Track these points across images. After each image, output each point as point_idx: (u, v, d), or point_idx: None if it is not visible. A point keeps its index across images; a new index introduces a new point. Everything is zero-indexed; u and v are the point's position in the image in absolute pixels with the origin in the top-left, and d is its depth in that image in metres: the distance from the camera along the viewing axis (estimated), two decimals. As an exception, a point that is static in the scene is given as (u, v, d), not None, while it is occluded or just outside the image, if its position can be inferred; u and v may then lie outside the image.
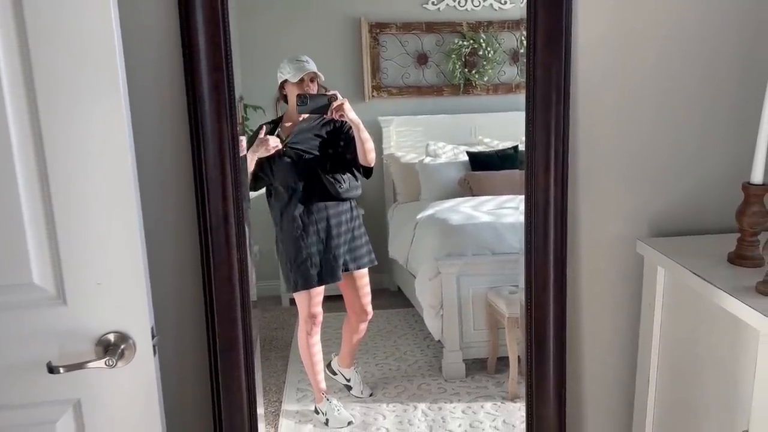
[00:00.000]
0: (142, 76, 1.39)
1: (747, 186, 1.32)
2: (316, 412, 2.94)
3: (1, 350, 1.19)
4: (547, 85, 1.42)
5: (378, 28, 4.74)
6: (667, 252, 1.44)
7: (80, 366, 1.17)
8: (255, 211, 4.43)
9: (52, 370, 1.16)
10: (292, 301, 4.26)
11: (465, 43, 4.63)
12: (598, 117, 1.55)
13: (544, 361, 1.55)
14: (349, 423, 2.85)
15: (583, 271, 1.62)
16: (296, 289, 2.76)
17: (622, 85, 1.55)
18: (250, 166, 2.58)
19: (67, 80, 1.11)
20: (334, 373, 3.13)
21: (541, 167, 1.46)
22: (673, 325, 1.47)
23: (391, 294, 4.58)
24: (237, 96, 1.42)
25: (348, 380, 3.12)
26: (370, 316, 2.99)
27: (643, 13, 1.52)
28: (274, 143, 2.55)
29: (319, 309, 2.81)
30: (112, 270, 1.20)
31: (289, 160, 2.63)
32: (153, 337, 1.24)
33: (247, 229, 1.45)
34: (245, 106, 4.21)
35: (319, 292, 2.77)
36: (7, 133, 1.12)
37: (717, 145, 1.55)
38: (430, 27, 4.75)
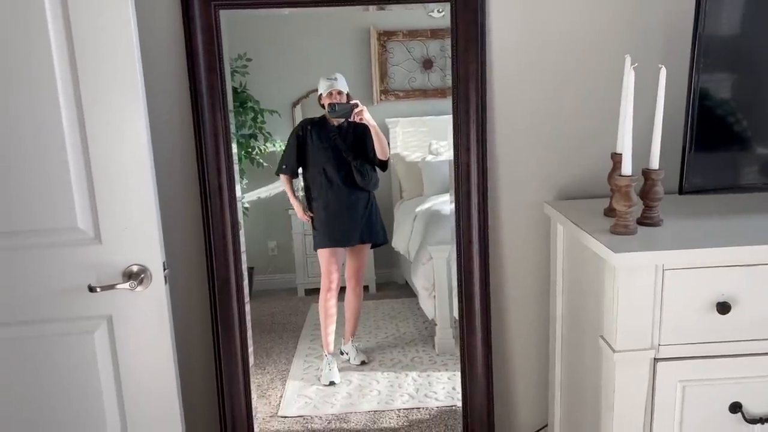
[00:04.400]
0: (155, 76, 1.83)
1: (613, 155, 1.72)
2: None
3: (55, 277, 1.64)
4: (467, 80, 1.84)
5: (386, 36, 5.03)
6: (563, 211, 1.83)
7: (111, 287, 1.61)
8: (272, 209, 4.87)
9: (92, 289, 1.61)
10: (307, 292, 4.70)
11: (466, 48, 4.95)
12: (513, 105, 1.96)
13: (472, 297, 1.95)
14: (331, 383, 3.27)
15: (503, 230, 2.03)
16: (316, 248, 3.47)
17: (531, 79, 1.95)
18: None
19: (101, 80, 1.55)
20: (341, 353, 3.59)
21: (463, 148, 1.88)
22: (570, 269, 1.86)
23: (399, 286, 4.92)
24: (230, 95, 1.87)
25: (347, 354, 3.56)
26: (360, 286, 3.61)
27: (547, 21, 1.92)
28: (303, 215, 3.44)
29: (336, 275, 3.44)
30: (135, 219, 1.63)
31: (328, 149, 3.34)
32: (164, 269, 1.68)
33: (237, 193, 1.90)
34: (262, 110, 4.65)
35: (335, 252, 3.43)
36: (62, 135, 1.57)
37: (610, 126, 1.88)
38: (435, 33, 5.02)
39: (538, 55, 1.94)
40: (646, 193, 1.62)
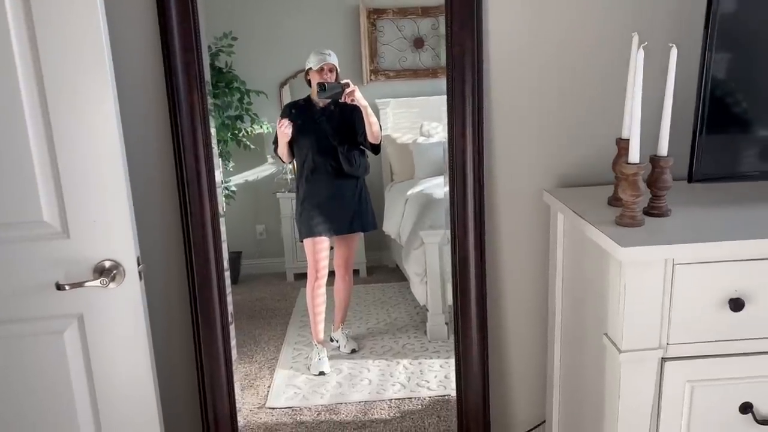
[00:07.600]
0: (125, 55, 1.69)
1: (618, 140, 1.61)
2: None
3: (19, 274, 1.52)
4: (462, 60, 1.71)
5: (376, 13, 4.89)
6: (564, 200, 1.73)
7: (81, 284, 1.50)
8: (260, 192, 4.72)
9: (59, 287, 1.49)
10: (296, 276, 4.62)
11: (457, 26, 4.82)
12: (511, 90, 1.84)
13: (467, 288, 1.85)
14: (321, 373, 3.19)
15: (501, 219, 1.93)
16: (301, 238, 3.31)
17: (530, 63, 1.84)
18: (282, 147, 3.19)
19: (65, 61, 1.42)
20: (331, 340, 3.51)
21: (458, 132, 1.76)
22: (571, 260, 1.76)
23: (389, 270, 4.85)
24: (208, 75, 1.74)
25: (337, 341, 3.48)
26: (349, 274, 3.47)
27: (546, 4, 1.80)
28: (287, 129, 3.12)
29: (323, 264, 3.28)
30: (105, 211, 1.52)
31: (313, 135, 3.15)
32: (139, 264, 1.57)
33: (217, 180, 1.78)
34: (248, 91, 4.51)
35: (321, 242, 3.26)
36: (23, 119, 1.44)
37: (610, 111, 1.79)
38: (426, 11, 4.90)
39: (538, 34, 1.82)
40: (653, 182, 1.52)
